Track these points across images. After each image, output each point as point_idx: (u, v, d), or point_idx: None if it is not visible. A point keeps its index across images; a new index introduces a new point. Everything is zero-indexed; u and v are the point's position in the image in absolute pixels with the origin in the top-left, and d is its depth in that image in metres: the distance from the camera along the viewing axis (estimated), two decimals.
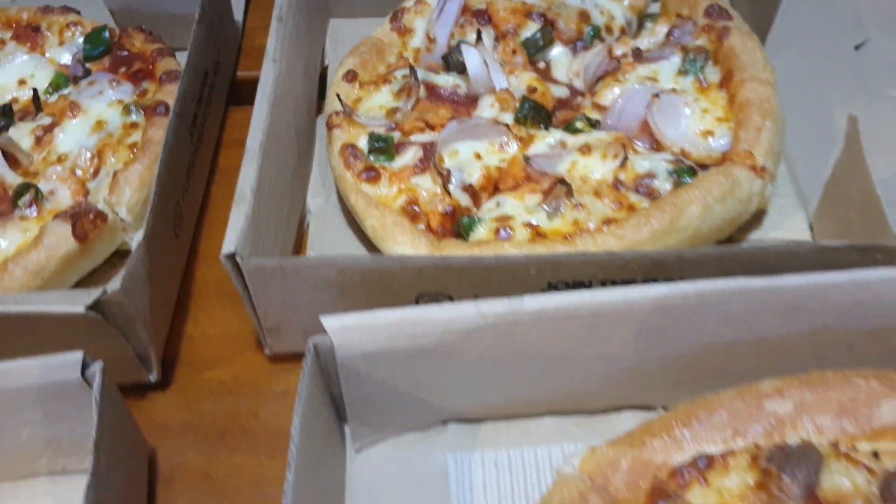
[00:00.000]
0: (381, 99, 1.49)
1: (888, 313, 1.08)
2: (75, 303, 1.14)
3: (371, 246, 1.36)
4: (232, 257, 1.16)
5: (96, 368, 1.08)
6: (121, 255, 1.42)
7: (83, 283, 1.39)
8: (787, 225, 1.38)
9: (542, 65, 1.53)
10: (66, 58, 1.64)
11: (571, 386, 1.17)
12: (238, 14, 1.80)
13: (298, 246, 1.44)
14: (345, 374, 1.11)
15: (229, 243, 1.16)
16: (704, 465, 0.99)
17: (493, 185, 1.37)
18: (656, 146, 1.39)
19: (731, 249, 1.16)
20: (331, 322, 1.07)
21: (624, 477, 1.02)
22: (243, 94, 1.65)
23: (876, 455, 0.98)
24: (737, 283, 1.06)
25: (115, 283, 1.17)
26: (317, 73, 1.63)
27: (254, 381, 1.32)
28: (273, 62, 1.39)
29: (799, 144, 1.47)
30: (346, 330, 1.08)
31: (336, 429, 1.20)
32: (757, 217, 1.38)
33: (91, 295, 1.15)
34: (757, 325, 1.09)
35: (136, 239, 1.37)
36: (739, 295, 1.07)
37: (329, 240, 1.44)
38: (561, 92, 1.49)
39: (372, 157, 1.40)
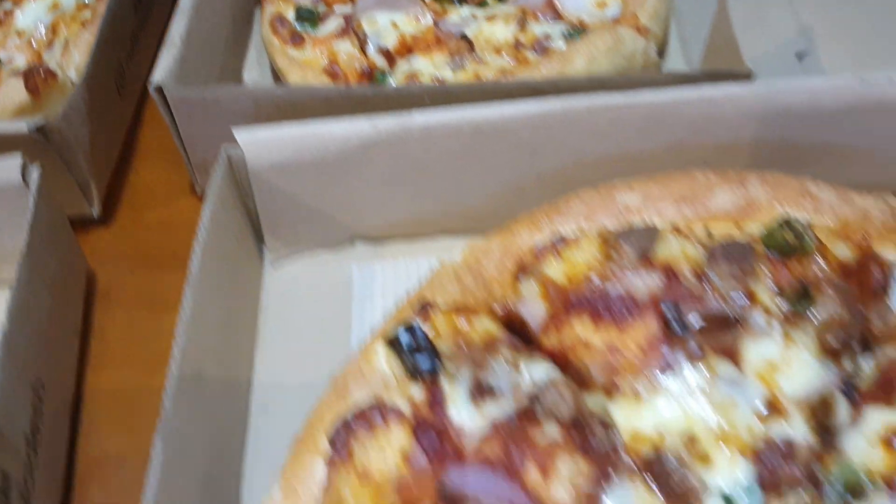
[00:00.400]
0: None
1: (735, 128, 1.22)
2: (19, 124, 1.28)
3: None
4: (160, 90, 1.30)
5: (35, 171, 1.22)
6: None
7: None
8: None
9: None
10: None
11: (462, 203, 1.31)
12: None
13: None
14: (257, 184, 1.26)
15: (157, 76, 1.30)
16: (560, 244, 1.13)
17: (408, 50, 1.51)
18: (558, 19, 1.53)
19: (601, 78, 1.30)
20: (242, 134, 1.22)
21: (494, 261, 1.16)
22: None
23: (710, 235, 1.12)
24: (599, 99, 1.20)
25: None
26: None
27: (188, 218, 1.44)
28: None
29: (693, 27, 1.61)
30: (257, 142, 1.22)
31: (253, 244, 1.34)
32: None
33: (34, 121, 1.29)
34: (621, 140, 1.23)
35: None
36: (602, 110, 1.21)
37: None
38: None
39: (298, 25, 1.54)
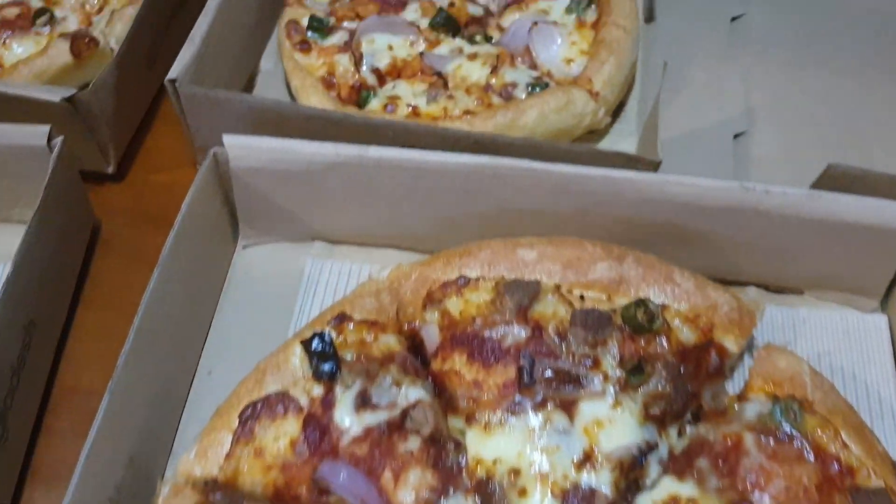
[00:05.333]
0: None
1: (632, 207, 1.45)
2: (53, 94, 1.55)
3: None
4: (173, 82, 1.55)
5: (58, 139, 1.48)
6: None
7: None
8: (619, 147, 1.75)
9: None
10: None
11: (407, 224, 1.55)
12: None
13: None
14: (237, 182, 1.51)
15: (174, 71, 1.56)
16: (463, 283, 1.38)
17: (397, 73, 1.75)
18: (532, 66, 1.76)
19: (534, 143, 1.53)
20: (230, 139, 1.47)
21: (411, 285, 1.41)
22: None
23: (582, 298, 1.36)
24: (521, 163, 1.44)
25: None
26: None
27: (188, 185, 1.72)
28: None
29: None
30: (241, 147, 1.47)
31: (229, 226, 1.60)
32: (595, 139, 1.74)
33: (67, 91, 1.55)
34: (537, 198, 1.46)
35: None
36: (523, 172, 1.44)
37: (267, 97, 1.83)
38: (476, 10, 1.86)
39: (309, 33, 1.78)
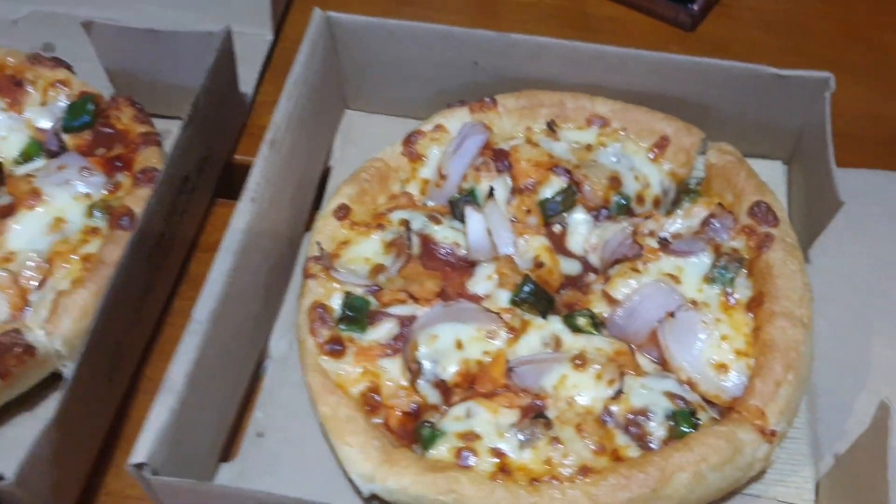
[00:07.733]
0: (369, 248, 1.32)
1: None
2: None
3: None
4: (139, 468, 1.01)
5: None
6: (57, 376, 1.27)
7: (10, 405, 1.26)
8: (792, 481, 1.20)
9: (557, 227, 1.36)
10: (44, 122, 1.49)
11: None
12: (248, 86, 1.62)
13: (248, 400, 1.29)
14: None
15: (140, 450, 1.02)
16: None
17: (469, 382, 1.21)
18: (664, 363, 1.22)
19: None
20: None
21: None
22: (237, 181, 1.45)
23: None
24: None
25: (9, 471, 1.03)
26: (313, 187, 1.47)
27: None
28: (252, 202, 1.23)
29: (828, 374, 1.28)
30: None
31: None
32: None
33: None
34: None
35: (70, 368, 1.20)
36: None
37: (282, 397, 1.28)
38: (572, 267, 1.33)
39: (342, 326, 1.23)
